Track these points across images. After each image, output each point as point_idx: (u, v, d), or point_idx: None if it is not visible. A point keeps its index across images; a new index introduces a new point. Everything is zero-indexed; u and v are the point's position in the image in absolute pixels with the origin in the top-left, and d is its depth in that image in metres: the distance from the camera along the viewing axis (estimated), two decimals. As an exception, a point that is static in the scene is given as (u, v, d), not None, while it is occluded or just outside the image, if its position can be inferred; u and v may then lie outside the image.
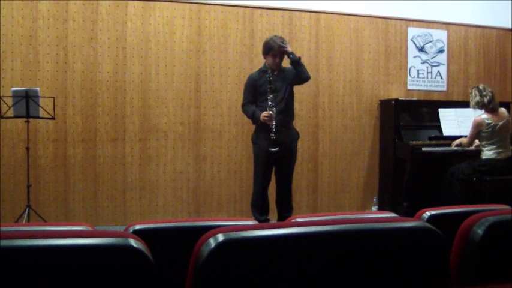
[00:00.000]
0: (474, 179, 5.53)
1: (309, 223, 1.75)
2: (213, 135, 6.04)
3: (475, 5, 6.97)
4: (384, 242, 1.57)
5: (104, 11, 5.67)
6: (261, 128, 4.98)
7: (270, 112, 4.81)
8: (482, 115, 5.56)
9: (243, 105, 5.11)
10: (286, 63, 5.14)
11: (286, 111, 5.00)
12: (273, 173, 5.16)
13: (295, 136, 5.16)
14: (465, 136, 5.83)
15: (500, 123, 5.52)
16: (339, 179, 6.54)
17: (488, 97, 5.53)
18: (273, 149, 4.79)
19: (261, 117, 4.84)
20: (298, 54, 6.23)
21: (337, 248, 1.52)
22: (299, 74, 5.01)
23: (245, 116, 5.24)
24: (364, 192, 6.64)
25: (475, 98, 5.59)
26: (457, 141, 5.87)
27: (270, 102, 4.83)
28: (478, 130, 5.56)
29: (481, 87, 5.62)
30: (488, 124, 5.50)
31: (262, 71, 5.07)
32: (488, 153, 5.56)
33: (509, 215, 1.88)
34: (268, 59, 5.01)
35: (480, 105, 5.56)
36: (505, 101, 6.69)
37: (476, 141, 5.78)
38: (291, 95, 5.10)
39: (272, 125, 4.79)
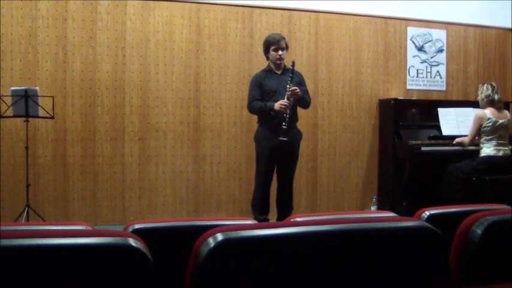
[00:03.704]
0: (473, 179, 5.54)
1: (308, 223, 1.75)
2: (212, 135, 6.04)
3: (475, 5, 6.97)
4: (383, 242, 1.57)
5: (103, 10, 5.67)
6: (265, 126, 5.01)
7: (287, 101, 4.83)
8: (483, 110, 5.60)
9: (250, 103, 5.07)
10: (288, 62, 5.14)
11: (291, 111, 5.00)
12: (274, 172, 5.17)
13: (299, 136, 5.17)
14: (465, 136, 5.84)
15: (501, 120, 5.56)
16: (338, 179, 6.54)
17: (498, 95, 5.64)
18: (283, 138, 4.80)
19: (277, 105, 4.83)
20: (297, 54, 6.24)
21: (336, 248, 1.52)
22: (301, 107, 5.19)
23: (252, 113, 5.23)
24: (363, 191, 6.64)
25: (486, 91, 5.67)
26: (459, 140, 5.89)
27: (288, 91, 4.84)
28: (479, 125, 5.57)
29: (494, 84, 5.74)
30: (489, 119, 5.54)
31: (267, 71, 5.10)
32: (487, 150, 5.58)
33: (509, 214, 1.88)
34: (271, 54, 5.04)
35: (489, 99, 5.61)
36: (505, 100, 6.68)
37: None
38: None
39: (286, 115, 4.80)
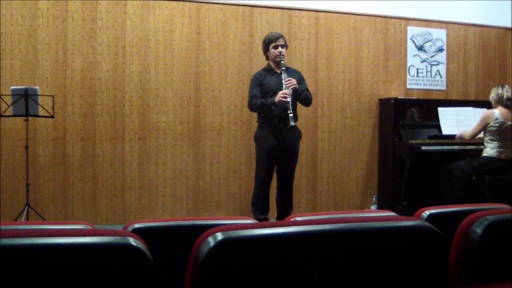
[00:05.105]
0: (473, 178, 5.53)
1: (308, 222, 1.75)
2: (212, 134, 6.04)
3: (474, 4, 6.97)
4: (383, 241, 1.57)
5: (103, 9, 5.67)
6: (264, 126, 5.01)
7: (286, 91, 4.83)
8: (493, 109, 5.59)
9: (251, 101, 5.06)
10: (288, 62, 5.13)
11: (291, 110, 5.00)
12: (274, 171, 5.17)
13: (298, 136, 5.17)
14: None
15: (509, 122, 5.53)
16: (338, 178, 6.54)
17: (508, 93, 5.60)
18: (292, 124, 4.79)
19: (278, 97, 4.82)
20: (297, 54, 6.24)
21: (336, 247, 1.52)
22: (302, 104, 5.18)
23: (252, 111, 5.22)
24: (363, 191, 6.64)
25: (497, 90, 5.65)
26: (459, 134, 5.88)
27: (284, 82, 4.85)
28: (485, 123, 5.56)
29: (506, 85, 5.73)
30: (497, 119, 5.51)
31: (267, 70, 5.10)
32: (490, 150, 5.57)
33: (509, 214, 1.88)
34: (271, 52, 5.04)
35: (499, 97, 5.59)
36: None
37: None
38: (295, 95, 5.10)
39: (289, 103, 4.79)
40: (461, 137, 5.87)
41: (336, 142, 6.51)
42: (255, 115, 5.29)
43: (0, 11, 5.33)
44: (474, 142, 5.91)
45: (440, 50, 6.97)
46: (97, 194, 5.71)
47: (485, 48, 7.19)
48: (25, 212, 5.04)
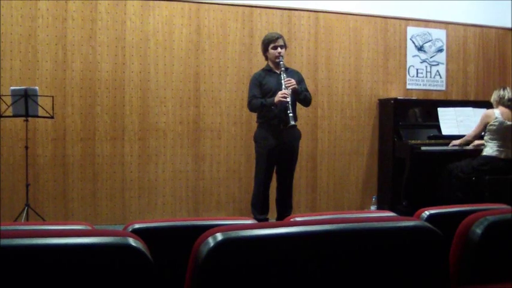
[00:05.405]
0: (473, 178, 5.54)
1: (308, 222, 1.75)
2: (212, 135, 6.04)
3: (474, 5, 6.98)
4: (382, 242, 1.57)
5: (103, 10, 5.67)
6: (264, 127, 5.01)
7: (286, 91, 4.82)
8: (493, 109, 5.61)
9: (250, 101, 5.05)
10: (287, 62, 5.13)
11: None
12: (274, 171, 5.17)
13: (298, 136, 5.17)
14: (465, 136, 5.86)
15: (509, 122, 5.54)
16: (338, 178, 6.54)
17: (509, 95, 5.62)
18: (292, 123, 4.79)
19: (277, 97, 4.81)
20: (297, 54, 6.24)
21: (336, 248, 1.52)
22: (302, 104, 5.17)
23: (252, 111, 5.20)
24: (363, 191, 6.64)
25: (498, 91, 5.69)
26: (458, 141, 5.89)
27: (283, 82, 4.85)
28: (485, 123, 5.57)
29: (507, 87, 5.76)
30: (497, 118, 5.52)
31: (266, 70, 5.10)
32: (489, 150, 5.58)
33: (509, 214, 1.88)
34: (270, 52, 5.03)
35: (500, 98, 5.62)
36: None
37: (476, 142, 5.80)
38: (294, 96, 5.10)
39: (289, 103, 4.79)
40: (463, 143, 5.86)
41: (336, 142, 6.51)
42: (254, 115, 5.28)
43: (0, 11, 5.33)
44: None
45: (440, 50, 6.97)
46: (97, 194, 5.71)
47: (485, 48, 7.19)
48: (25, 212, 5.04)
